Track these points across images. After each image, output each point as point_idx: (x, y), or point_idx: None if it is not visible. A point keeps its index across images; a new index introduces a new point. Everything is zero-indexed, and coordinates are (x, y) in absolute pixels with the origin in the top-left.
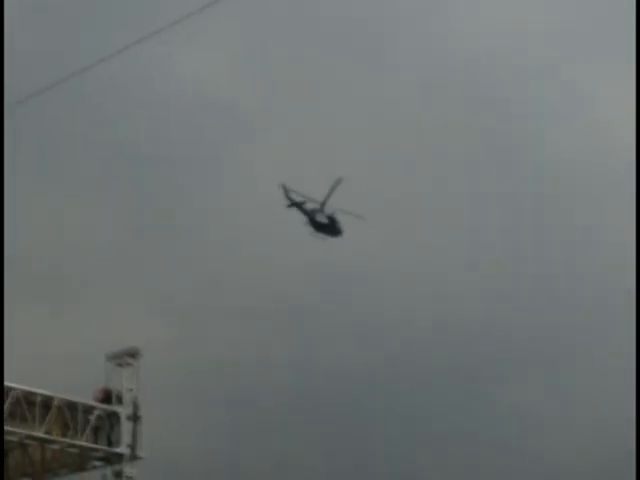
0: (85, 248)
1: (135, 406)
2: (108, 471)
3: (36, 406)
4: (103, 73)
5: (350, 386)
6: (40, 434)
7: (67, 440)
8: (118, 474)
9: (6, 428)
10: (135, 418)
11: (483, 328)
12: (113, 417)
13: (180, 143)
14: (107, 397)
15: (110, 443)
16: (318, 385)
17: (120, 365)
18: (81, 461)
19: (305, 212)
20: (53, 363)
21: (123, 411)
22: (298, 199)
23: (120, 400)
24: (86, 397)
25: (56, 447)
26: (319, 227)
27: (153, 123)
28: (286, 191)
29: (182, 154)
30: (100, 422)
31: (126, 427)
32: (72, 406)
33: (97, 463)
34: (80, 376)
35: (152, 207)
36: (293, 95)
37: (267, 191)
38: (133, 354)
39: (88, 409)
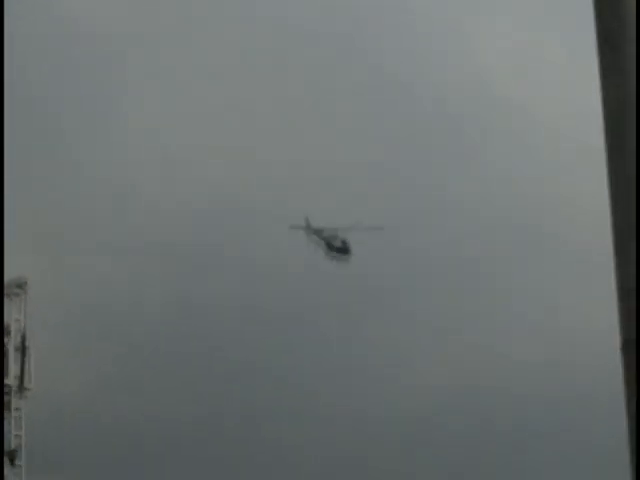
0: None
1: (23, 337)
2: None
3: None
4: None
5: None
6: None
7: None
8: (6, 406)
9: None
10: (23, 349)
11: None
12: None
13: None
14: None
15: None
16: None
17: (8, 296)
18: None
19: (323, 239)
20: None
21: (11, 342)
22: (317, 228)
23: (7, 331)
24: None
25: None
26: (333, 249)
27: (25, 60)
28: (308, 223)
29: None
30: None
31: (13, 358)
32: None
33: None
34: None
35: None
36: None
37: (140, 128)
38: (21, 285)
39: None
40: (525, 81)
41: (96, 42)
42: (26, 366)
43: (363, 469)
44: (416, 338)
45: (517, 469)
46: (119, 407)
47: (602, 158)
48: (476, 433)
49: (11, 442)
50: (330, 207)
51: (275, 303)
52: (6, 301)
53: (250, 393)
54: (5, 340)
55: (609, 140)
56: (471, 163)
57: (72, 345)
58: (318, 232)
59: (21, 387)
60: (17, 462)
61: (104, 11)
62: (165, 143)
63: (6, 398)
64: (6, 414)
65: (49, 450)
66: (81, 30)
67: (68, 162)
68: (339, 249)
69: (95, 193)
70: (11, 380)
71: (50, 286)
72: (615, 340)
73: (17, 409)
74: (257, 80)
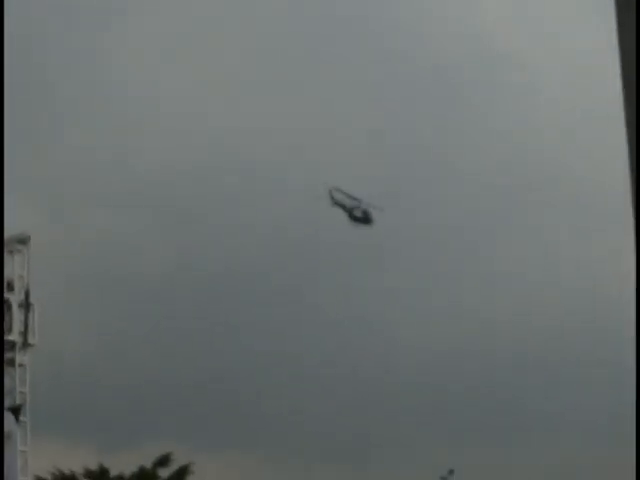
0: None
1: (27, 293)
2: None
3: None
4: None
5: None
6: None
7: None
8: (10, 362)
9: None
10: (27, 305)
11: None
12: (4, 304)
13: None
14: None
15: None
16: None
17: (10, 252)
18: None
19: (345, 209)
20: None
21: (14, 298)
22: (340, 200)
23: (11, 287)
24: None
25: None
26: (356, 219)
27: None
28: (331, 194)
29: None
30: None
31: (17, 315)
32: None
33: None
34: None
35: (22, 100)
36: None
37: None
38: (23, 240)
39: None
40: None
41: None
42: (30, 322)
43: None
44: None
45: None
46: (121, 362)
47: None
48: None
49: (16, 398)
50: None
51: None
52: (8, 257)
53: (255, 350)
54: (8, 296)
55: (627, 94)
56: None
57: (73, 300)
58: (340, 204)
59: (25, 343)
60: (21, 418)
61: None
62: (170, 96)
63: (10, 354)
64: (10, 370)
65: (53, 406)
66: None
67: (68, 113)
68: (361, 219)
69: (95, 145)
70: (15, 336)
71: (50, 241)
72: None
73: (21, 365)
74: (260, 44)
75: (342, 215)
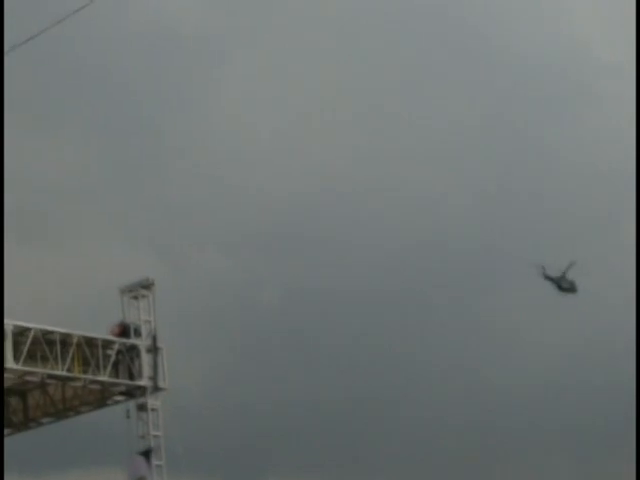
0: (54, 187)
1: (154, 338)
2: (131, 404)
3: (56, 344)
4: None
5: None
6: (62, 372)
7: (89, 376)
8: (141, 407)
9: (26, 368)
10: (155, 350)
11: None
12: (133, 350)
13: (152, 78)
14: (124, 331)
15: (131, 377)
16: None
17: (135, 298)
18: (102, 397)
19: (553, 281)
20: (56, 302)
21: (142, 344)
22: (551, 275)
23: (138, 333)
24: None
25: (78, 384)
26: (562, 289)
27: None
28: (544, 270)
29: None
30: (120, 356)
31: (146, 359)
32: (91, 342)
33: (119, 398)
34: (87, 313)
35: (125, 144)
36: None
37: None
38: (147, 286)
39: (107, 344)
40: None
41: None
42: (159, 366)
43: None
44: None
45: None
46: (246, 399)
47: None
48: None
49: (150, 442)
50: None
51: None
52: (133, 302)
53: (378, 379)
54: (137, 342)
55: None
56: None
57: (192, 342)
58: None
59: (155, 387)
60: (157, 462)
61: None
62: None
63: (142, 399)
64: (142, 415)
65: (184, 446)
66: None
67: (174, 159)
68: (567, 289)
69: (205, 188)
70: (145, 381)
71: (165, 285)
72: None
73: (153, 409)
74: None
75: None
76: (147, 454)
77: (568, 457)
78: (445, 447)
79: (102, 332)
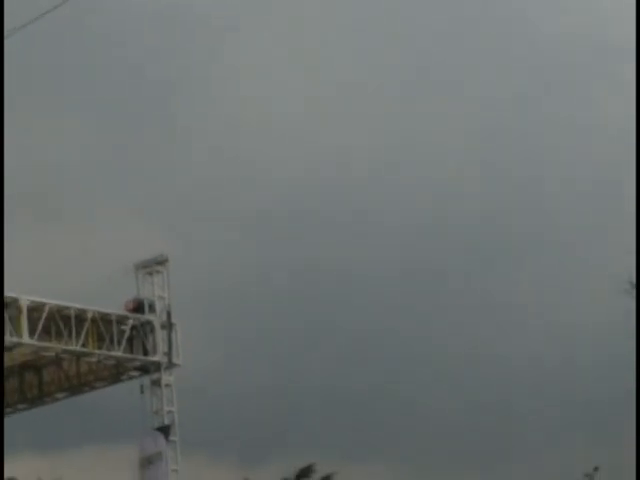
0: (68, 165)
1: (168, 314)
2: (146, 380)
3: (71, 320)
4: None
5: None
6: (77, 347)
7: (104, 352)
8: (155, 382)
9: (42, 344)
10: (169, 325)
11: None
12: (147, 326)
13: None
14: (139, 307)
15: (146, 352)
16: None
17: (150, 274)
18: (117, 372)
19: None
20: (71, 278)
21: (156, 319)
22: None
23: (152, 309)
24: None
25: (93, 360)
26: None
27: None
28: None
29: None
30: (135, 332)
31: (160, 335)
32: (106, 318)
33: (133, 373)
34: (102, 288)
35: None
36: None
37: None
38: (161, 262)
39: (122, 320)
40: None
41: None
42: (173, 342)
43: None
44: None
45: None
46: (262, 378)
47: None
48: None
49: (164, 418)
50: None
51: None
52: (147, 278)
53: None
54: (151, 318)
55: None
56: None
57: (207, 318)
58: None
59: (170, 363)
60: (171, 438)
61: None
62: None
63: (156, 375)
64: (157, 390)
65: (198, 424)
66: None
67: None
68: None
69: (221, 167)
70: (159, 357)
71: (180, 263)
72: None
73: (167, 385)
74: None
75: None
76: (165, 430)
77: (584, 434)
78: (458, 428)
79: (117, 308)
